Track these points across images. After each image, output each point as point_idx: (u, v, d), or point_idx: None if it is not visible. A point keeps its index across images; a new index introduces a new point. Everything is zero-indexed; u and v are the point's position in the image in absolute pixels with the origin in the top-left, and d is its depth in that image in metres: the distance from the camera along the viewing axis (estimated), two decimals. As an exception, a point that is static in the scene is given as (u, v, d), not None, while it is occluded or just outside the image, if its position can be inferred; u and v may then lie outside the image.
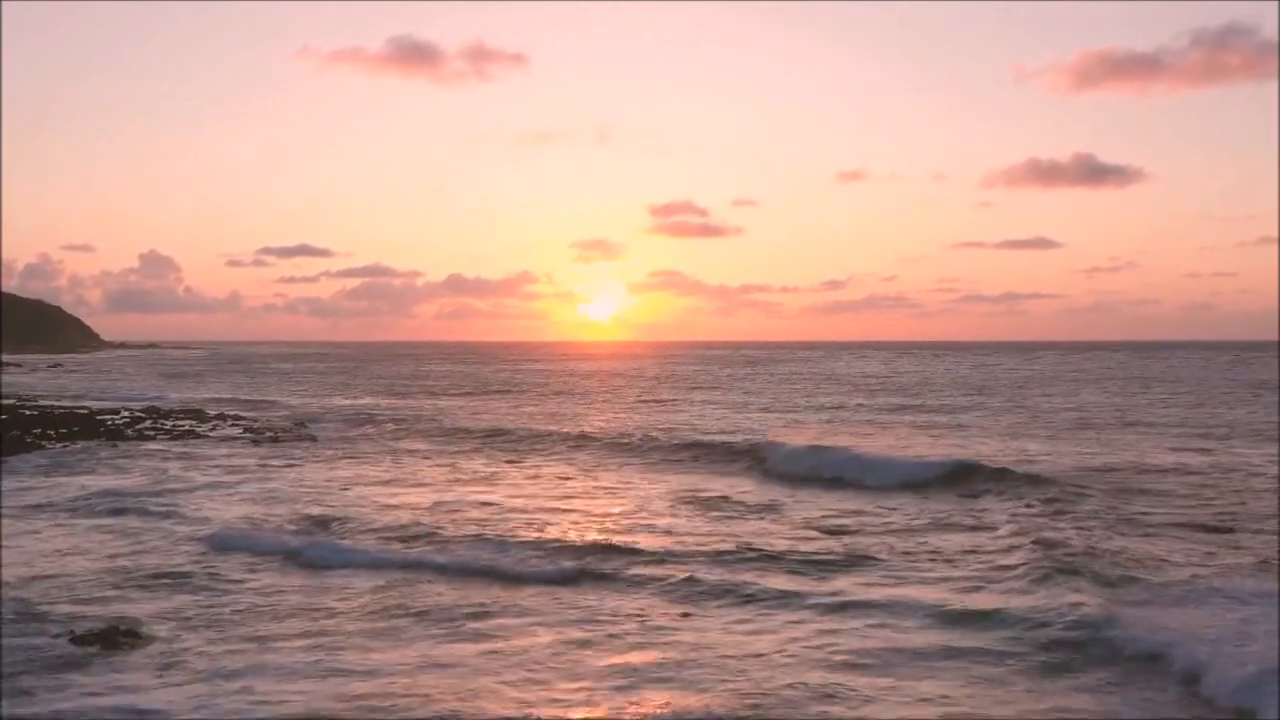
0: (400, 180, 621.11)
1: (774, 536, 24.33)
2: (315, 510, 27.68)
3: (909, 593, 18.91)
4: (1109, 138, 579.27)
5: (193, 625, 17.20)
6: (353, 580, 20.36)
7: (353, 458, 40.80)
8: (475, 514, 27.12)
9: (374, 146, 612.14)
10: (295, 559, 22.19)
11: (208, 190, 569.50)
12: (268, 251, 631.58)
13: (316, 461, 39.40)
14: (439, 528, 25.12)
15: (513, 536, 24.02)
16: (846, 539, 24.01)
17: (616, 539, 23.66)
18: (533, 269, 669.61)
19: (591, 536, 24.02)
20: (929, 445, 41.31)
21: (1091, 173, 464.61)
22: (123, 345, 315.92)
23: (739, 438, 44.37)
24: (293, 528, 25.46)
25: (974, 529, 25.31)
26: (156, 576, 20.52)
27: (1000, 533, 24.16)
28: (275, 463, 38.80)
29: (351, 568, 21.37)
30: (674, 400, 75.17)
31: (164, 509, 28.21)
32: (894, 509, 28.33)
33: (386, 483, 33.38)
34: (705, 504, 29.23)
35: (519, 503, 29.37)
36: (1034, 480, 31.29)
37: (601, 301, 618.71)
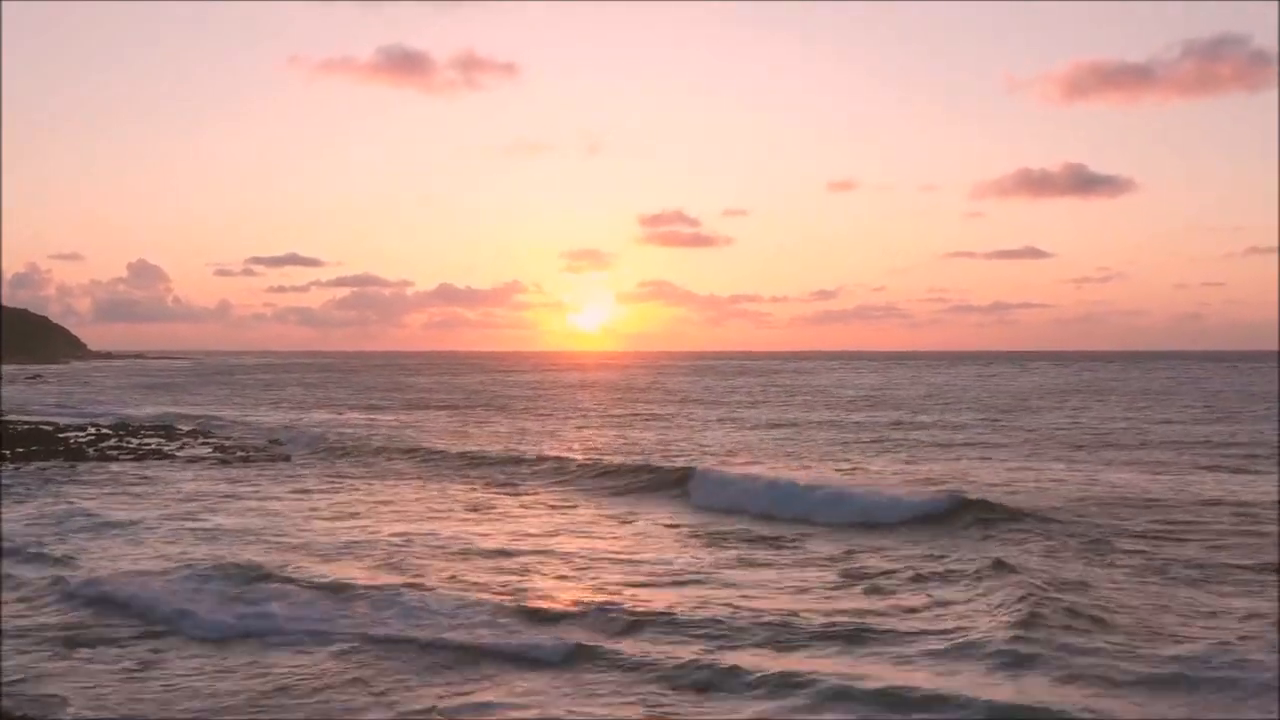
0: (390, 189, 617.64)
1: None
2: (255, 555, 24.00)
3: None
4: (1100, 148, 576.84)
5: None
6: (265, 658, 16.49)
7: (326, 481, 37.97)
8: (441, 563, 23.91)
9: (364, 156, 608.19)
10: (192, 627, 18.27)
11: (197, 199, 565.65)
12: (257, 261, 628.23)
13: (283, 487, 36.50)
14: (397, 578, 21.80)
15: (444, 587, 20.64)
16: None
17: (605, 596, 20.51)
18: (522, 279, 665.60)
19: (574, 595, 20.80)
20: (923, 472, 38.06)
21: (1082, 183, 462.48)
22: (109, 355, 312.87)
23: (680, 461, 41.50)
24: (210, 580, 21.27)
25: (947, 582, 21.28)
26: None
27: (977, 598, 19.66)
28: (240, 488, 35.95)
29: (271, 640, 17.42)
30: (638, 417, 72.45)
31: (72, 550, 24.73)
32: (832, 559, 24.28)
33: (353, 515, 30.38)
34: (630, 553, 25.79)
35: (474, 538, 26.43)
36: (1040, 518, 27.49)
37: (591, 311, 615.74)
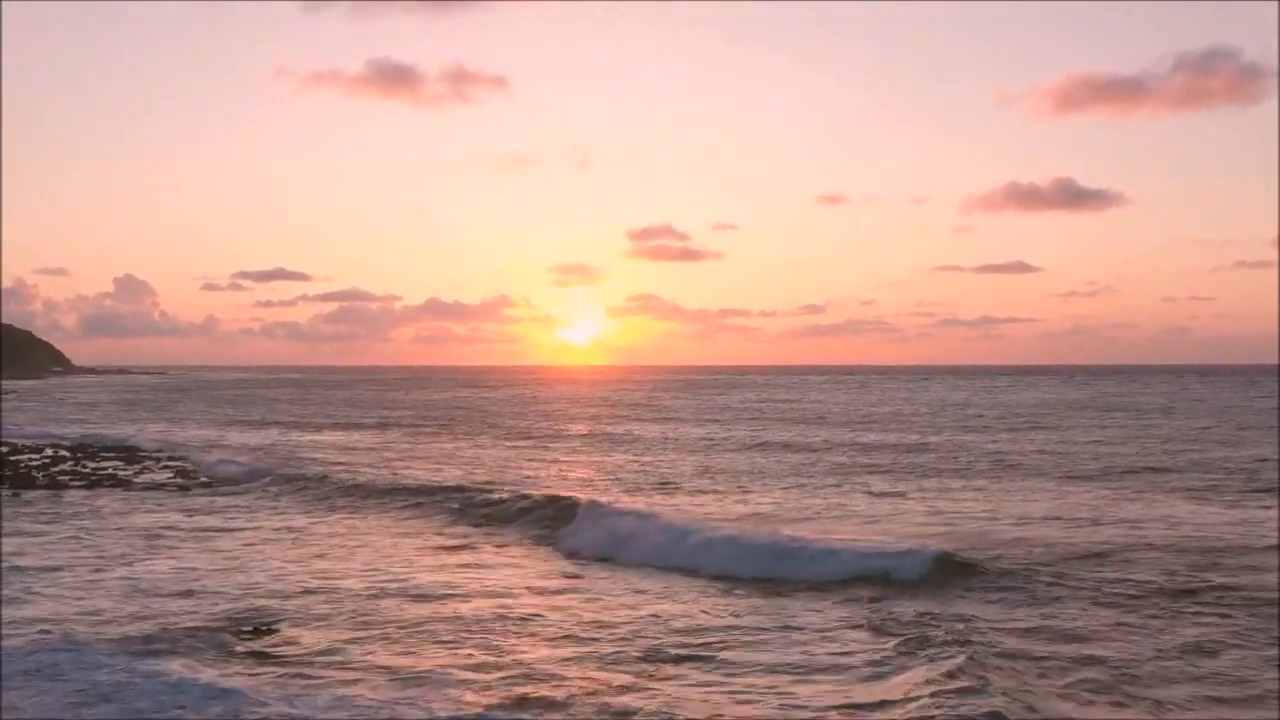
0: (378, 203, 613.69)
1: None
2: (188, 610, 20.88)
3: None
4: (1090, 161, 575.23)
5: None
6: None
7: (288, 517, 34.64)
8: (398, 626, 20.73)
9: (352, 169, 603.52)
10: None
11: (184, 213, 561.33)
12: (244, 275, 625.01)
13: (242, 520, 33.21)
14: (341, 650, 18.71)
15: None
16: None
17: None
18: (511, 293, 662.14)
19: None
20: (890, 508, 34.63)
21: (1071, 197, 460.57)
22: (92, 370, 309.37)
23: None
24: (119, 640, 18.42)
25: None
26: None
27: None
28: (190, 523, 32.56)
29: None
30: (596, 437, 69.19)
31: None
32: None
33: (317, 556, 27.09)
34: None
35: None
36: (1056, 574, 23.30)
37: (580, 325, 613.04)
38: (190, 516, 34.15)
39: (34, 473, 45.85)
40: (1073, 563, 24.33)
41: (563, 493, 36.55)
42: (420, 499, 36.66)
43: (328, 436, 69.24)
